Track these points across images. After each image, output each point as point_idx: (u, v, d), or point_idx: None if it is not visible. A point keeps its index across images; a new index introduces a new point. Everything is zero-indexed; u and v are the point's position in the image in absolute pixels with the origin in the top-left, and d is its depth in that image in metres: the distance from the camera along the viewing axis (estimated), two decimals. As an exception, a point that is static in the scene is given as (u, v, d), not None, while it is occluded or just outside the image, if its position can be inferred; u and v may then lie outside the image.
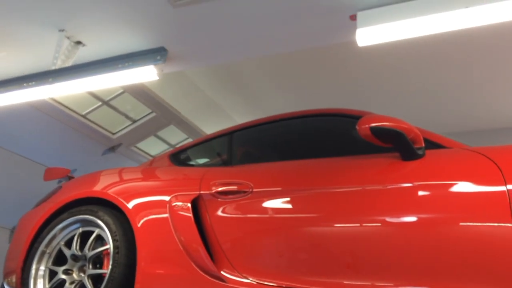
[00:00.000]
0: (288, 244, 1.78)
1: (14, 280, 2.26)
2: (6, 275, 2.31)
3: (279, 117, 2.38)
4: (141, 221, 2.00)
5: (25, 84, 2.68)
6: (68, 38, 3.07)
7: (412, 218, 1.60)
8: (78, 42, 3.12)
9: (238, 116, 3.93)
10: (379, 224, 1.66)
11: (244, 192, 1.93)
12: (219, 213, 1.95)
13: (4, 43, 2.83)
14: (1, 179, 3.34)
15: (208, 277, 1.79)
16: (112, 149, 3.61)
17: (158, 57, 3.04)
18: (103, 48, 3.14)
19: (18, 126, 3.09)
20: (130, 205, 2.06)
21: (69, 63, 3.12)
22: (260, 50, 3.14)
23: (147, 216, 2.01)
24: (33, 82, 2.89)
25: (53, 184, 2.74)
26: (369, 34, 2.64)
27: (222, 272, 1.79)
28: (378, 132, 1.64)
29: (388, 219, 1.64)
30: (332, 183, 1.81)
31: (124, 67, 3.02)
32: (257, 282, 1.73)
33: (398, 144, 1.69)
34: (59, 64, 3.04)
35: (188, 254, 1.85)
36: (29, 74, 3.00)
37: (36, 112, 3.00)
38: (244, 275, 1.77)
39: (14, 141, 3.16)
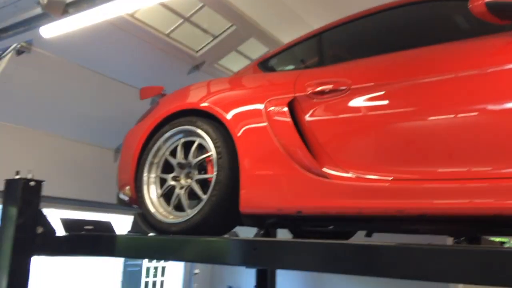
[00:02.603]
0: (387, 138, 1.80)
1: (128, 190, 2.52)
2: (121, 187, 2.59)
3: (369, 12, 2.27)
4: (241, 130, 2.10)
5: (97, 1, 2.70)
6: None
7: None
8: None
9: (318, 25, 3.78)
10: (489, 109, 1.59)
11: (341, 90, 1.92)
12: (317, 113, 1.98)
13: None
14: (96, 103, 3.64)
15: (311, 174, 1.86)
16: (197, 67, 3.73)
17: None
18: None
19: (106, 49, 3.27)
20: (229, 115, 2.16)
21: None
22: None
23: (246, 125, 2.11)
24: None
25: (143, 105, 2.91)
26: None
27: (324, 169, 1.86)
28: (495, 7, 1.51)
29: (499, 106, 1.56)
30: (438, 70, 1.73)
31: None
32: (357, 176, 1.79)
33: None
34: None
35: (290, 155, 1.93)
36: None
37: (121, 33, 3.14)
38: (345, 170, 1.82)
39: (104, 64, 3.37)
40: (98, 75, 3.42)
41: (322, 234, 2.91)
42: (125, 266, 11.38)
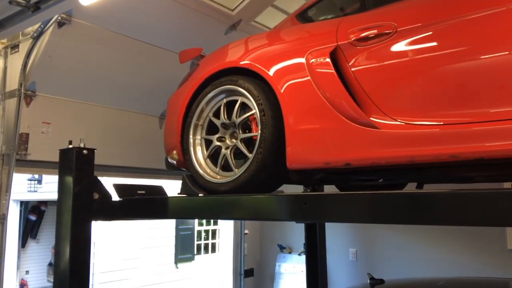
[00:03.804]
0: (437, 80, 1.73)
1: (175, 154, 2.58)
2: (168, 151, 2.65)
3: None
4: (283, 86, 2.07)
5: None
6: None
7: None
8: None
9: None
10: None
11: (387, 34, 1.85)
12: (361, 61, 1.92)
13: None
14: (138, 71, 3.69)
15: (358, 125, 1.83)
16: (233, 27, 3.68)
17: None
18: None
19: (143, 15, 3.28)
20: (270, 71, 2.14)
21: None
22: None
23: (288, 80, 2.08)
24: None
25: (184, 69, 2.93)
26: None
27: (372, 119, 1.82)
28: None
29: None
30: (490, 3, 1.62)
31: None
32: (406, 123, 1.74)
33: None
34: None
35: (335, 107, 1.90)
36: None
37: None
38: (393, 118, 1.77)
39: (143, 31, 3.39)
40: (138, 42, 3.46)
41: (371, 189, 2.89)
42: (177, 230, 11.91)
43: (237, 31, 3.73)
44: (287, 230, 6.03)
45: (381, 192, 1.65)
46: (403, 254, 4.87)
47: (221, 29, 3.68)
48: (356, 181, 2.92)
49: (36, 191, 10.30)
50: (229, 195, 2.16)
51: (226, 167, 2.30)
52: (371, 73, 1.89)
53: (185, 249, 12.04)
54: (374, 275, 3.19)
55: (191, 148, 2.42)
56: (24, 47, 3.28)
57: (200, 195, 2.36)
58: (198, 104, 2.42)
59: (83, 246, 2.48)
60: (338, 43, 1.98)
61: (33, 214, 11.17)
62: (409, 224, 1.60)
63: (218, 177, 2.29)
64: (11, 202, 10.30)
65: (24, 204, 11.16)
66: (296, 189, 3.00)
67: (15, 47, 3.38)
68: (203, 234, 13.06)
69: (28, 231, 11.29)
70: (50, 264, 11.66)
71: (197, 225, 12.79)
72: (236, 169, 2.22)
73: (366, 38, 1.90)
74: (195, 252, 12.47)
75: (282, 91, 2.08)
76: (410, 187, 2.77)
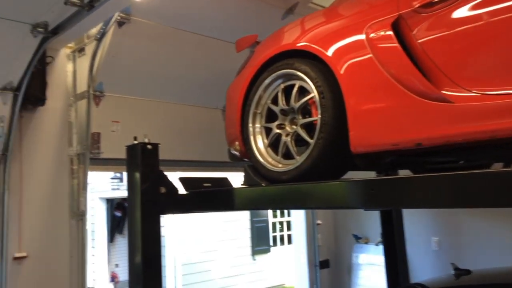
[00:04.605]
0: None
1: (237, 145, 2.56)
2: (231, 142, 2.64)
3: None
4: (343, 66, 1.96)
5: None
6: None
7: None
8: None
9: None
10: None
11: (455, -4, 1.65)
12: (428, 29, 1.75)
13: None
14: (198, 65, 3.73)
15: (428, 101, 1.67)
16: (290, 10, 3.58)
17: None
18: None
19: (198, 7, 3.30)
20: (328, 51, 2.03)
21: None
22: None
23: (348, 59, 1.96)
24: None
25: (242, 58, 2.88)
26: None
27: (444, 92, 1.65)
28: None
29: None
30: None
31: None
32: (484, 94, 1.55)
33: None
34: None
35: (401, 83, 1.75)
36: None
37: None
38: (468, 89, 1.59)
39: (199, 23, 3.41)
40: (196, 35, 3.50)
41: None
42: (252, 222, 12.08)
43: (294, 14, 3.63)
44: (362, 219, 5.83)
45: (464, 172, 1.48)
46: (491, 241, 4.49)
47: (277, 14, 3.60)
48: (433, 164, 2.71)
49: (119, 189, 10.92)
50: (289, 183, 2.09)
51: (288, 155, 2.24)
52: (440, 42, 1.71)
53: (261, 241, 12.20)
54: (459, 265, 2.98)
55: (251, 138, 2.38)
56: (89, 50, 3.45)
57: (262, 185, 2.32)
58: (255, 92, 2.38)
59: (153, 240, 2.55)
60: (400, 12, 1.82)
61: (118, 210, 11.87)
62: (499, 207, 1.45)
63: (280, 165, 2.24)
64: (98, 200, 10.96)
65: (109, 202, 11.91)
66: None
67: (81, 50, 3.57)
68: (278, 226, 13.15)
69: (115, 227, 12.03)
70: (134, 257, 12.34)
71: (272, 217, 12.91)
72: (297, 157, 2.14)
73: (432, 3, 1.72)
74: (271, 244, 12.59)
75: (342, 71, 1.96)
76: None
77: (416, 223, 4.97)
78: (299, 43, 2.21)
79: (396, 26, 1.82)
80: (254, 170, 2.37)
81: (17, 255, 3.22)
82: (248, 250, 11.91)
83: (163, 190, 2.59)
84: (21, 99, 3.10)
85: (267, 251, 12.39)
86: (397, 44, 1.79)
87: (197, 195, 2.63)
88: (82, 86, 3.54)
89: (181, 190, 2.63)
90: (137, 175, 2.53)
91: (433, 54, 1.71)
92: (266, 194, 2.27)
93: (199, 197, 2.62)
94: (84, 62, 3.50)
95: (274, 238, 12.95)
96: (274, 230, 13.10)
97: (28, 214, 3.31)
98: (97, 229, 11.61)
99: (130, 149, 2.61)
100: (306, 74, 2.10)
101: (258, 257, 12.12)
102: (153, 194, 2.54)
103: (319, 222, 5.87)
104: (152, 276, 2.52)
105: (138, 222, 2.50)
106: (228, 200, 2.49)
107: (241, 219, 11.70)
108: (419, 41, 1.76)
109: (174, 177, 2.72)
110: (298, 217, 5.95)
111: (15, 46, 2.81)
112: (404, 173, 3.21)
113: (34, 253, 3.30)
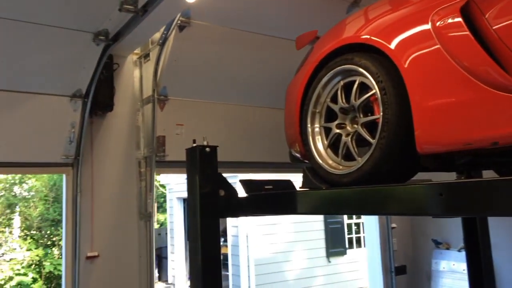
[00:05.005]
0: None
1: (297, 146, 2.47)
2: (291, 144, 2.56)
3: None
4: (408, 60, 1.79)
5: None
6: None
7: None
8: None
9: None
10: None
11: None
12: (503, 12, 1.54)
13: None
14: (259, 65, 3.67)
15: (507, 94, 1.47)
16: (355, 3, 3.41)
17: None
18: None
19: (258, 6, 3.24)
20: (391, 44, 1.88)
21: None
22: None
23: (413, 52, 1.80)
24: None
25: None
26: None
27: (523, 84, 1.44)
28: None
29: None
30: None
31: None
32: None
33: None
34: None
35: (475, 76, 1.57)
36: None
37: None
38: None
39: (259, 23, 3.36)
40: (256, 35, 3.46)
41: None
42: (326, 224, 11.86)
43: (360, 7, 3.45)
44: (442, 223, 5.45)
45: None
46: None
47: (341, 8, 3.45)
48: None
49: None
50: (349, 187, 1.96)
51: (349, 157, 2.11)
52: (518, 24, 1.50)
53: (336, 243, 11.95)
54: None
55: (310, 138, 2.28)
56: (153, 55, 3.54)
57: (322, 188, 2.21)
58: (313, 90, 2.27)
59: (213, 242, 2.54)
60: (471, -6, 1.63)
61: (195, 209, 12.21)
62: None
63: (340, 167, 2.12)
64: (176, 200, 11.37)
65: (186, 201, 12.34)
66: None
67: (147, 56, 3.68)
68: (353, 227, 12.78)
69: (192, 225, 12.40)
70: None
71: (346, 218, 12.58)
72: (359, 158, 2.01)
73: (508, -20, 1.52)
74: (347, 246, 12.28)
75: (406, 65, 1.80)
76: None
77: (504, 226, 4.54)
78: (359, 36, 2.07)
79: (465, 11, 1.63)
80: (313, 173, 2.27)
81: (90, 254, 3.40)
82: (323, 251, 11.72)
83: (222, 193, 2.57)
84: (90, 105, 3.26)
85: (343, 253, 12.12)
86: (467, 32, 1.60)
87: (257, 198, 2.58)
88: (148, 91, 3.65)
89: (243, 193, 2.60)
90: (196, 178, 2.53)
91: (510, 42, 1.51)
92: (327, 197, 2.16)
93: (259, 200, 2.57)
94: (149, 68, 3.61)
95: (350, 240, 12.62)
96: (350, 231, 12.77)
97: (99, 215, 3.48)
98: (175, 228, 12.08)
99: (189, 152, 2.62)
100: (367, 69, 1.96)
101: (334, 259, 11.89)
102: (212, 197, 2.53)
103: (394, 225, 5.57)
104: (212, 279, 2.51)
105: (197, 224, 2.50)
106: (289, 204, 2.41)
107: (314, 220, 11.54)
108: (494, 27, 1.56)
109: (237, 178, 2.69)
110: (370, 219, 5.70)
111: (80, 55, 2.96)
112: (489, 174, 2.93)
113: (105, 252, 3.46)
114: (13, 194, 13.01)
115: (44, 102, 3.22)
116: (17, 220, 13.01)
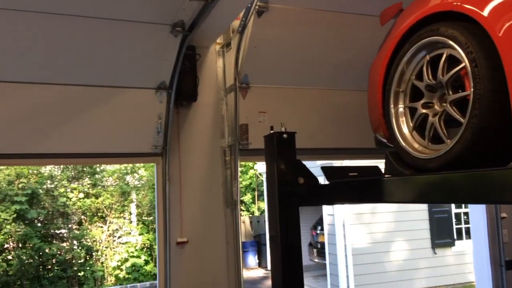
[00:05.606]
0: None
1: (382, 131, 2.31)
2: (376, 129, 2.40)
3: None
4: (503, 27, 1.56)
5: None
6: None
7: None
8: None
9: None
10: None
11: None
12: None
13: None
14: (343, 44, 3.48)
15: None
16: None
17: None
18: None
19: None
20: (484, 10, 1.65)
21: None
22: None
23: (510, 18, 1.55)
24: None
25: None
26: None
27: None
28: None
29: None
30: None
31: None
32: None
33: None
34: None
35: None
36: None
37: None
38: None
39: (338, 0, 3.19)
40: (337, 14, 3.29)
41: None
42: (431, 213, 11.18)
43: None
44: None
45: None
46: None
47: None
48: None
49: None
50: (435, 173, 1.77)
51: (436, 139, 1.91)
52: None
53: (442, 234, 11.27)
54: None
55: (393, 120, 2.12)
56: (234, 43, 3.55)
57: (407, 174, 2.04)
58: (396, 67, 2.10)
59: (292, 231, 2.49)
60: None
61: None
62: None
63: (427, 151, 1.93)
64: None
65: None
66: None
67: (228, 45, 3.70)
68: (463, 217, 11.88)
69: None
70: (310, 245, 12.67)
71: (454, 208, 11.75)
72: (448, 140, 1.81)
73: None
74: (455, 237, 11.51)
75: (500, 33, 1.57)
76: None
77: None
78: (447, 3, 1.85)
79: None
80: (397, 158, 2.10)
81: (179, 240, 3.55)
82: (427, 242, 11.11)
83: (301, 180, 2.50)
84: (174, 96, 3.38)
85: (451, 244, 11.41)
86: None
87: (338, 186, 2.47)
88: (231, 80, 3.68)
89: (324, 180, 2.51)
90: (274, 165, 2.49)
91: None
92: (417, 184, 1.97)
93: (341, 188, 2.46)
94: (231, 56, 3.63)
95: (459, 230, 11.78)
96: (458, 221, 11.92)
97: (187, 203, 3.61)
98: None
99: (267, 139, 2.59)
100: (454, 40, 1.76)
101: (440, 251, 11.22)
102: (291, 185, 2.47)
103: (504, 215, 5.04)
104: (292, 267, 2.47)
105: (276, 213, 2.46)
106: (375, 192, 2.25)
107: (417, 209, 10.96)
108: None
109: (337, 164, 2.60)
110: (476, 208, 5.20)
111: (160, 47, 3.06)
112: None
113: (194, 238, 3.59)
114: (126, 183, 14.19)
115: (132, 96, 3.41)
116: (133, 207, 14.21)
